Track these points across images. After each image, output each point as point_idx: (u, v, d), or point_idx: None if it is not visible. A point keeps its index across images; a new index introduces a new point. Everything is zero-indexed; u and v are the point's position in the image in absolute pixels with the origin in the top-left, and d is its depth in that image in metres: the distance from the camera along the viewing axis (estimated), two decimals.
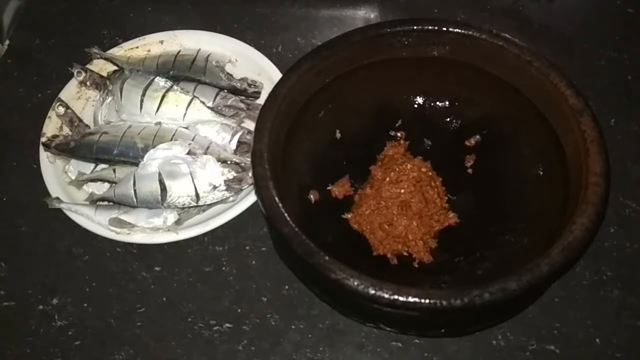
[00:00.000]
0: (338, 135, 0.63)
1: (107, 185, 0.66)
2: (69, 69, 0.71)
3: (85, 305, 0.61)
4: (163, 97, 0.68)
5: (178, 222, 0.63)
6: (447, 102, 0.64)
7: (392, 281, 0.46)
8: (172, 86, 0.68)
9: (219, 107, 0.69)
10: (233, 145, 0.66)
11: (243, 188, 0.64)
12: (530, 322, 0.57)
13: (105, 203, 0.65)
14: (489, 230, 0.58)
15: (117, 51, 0.75)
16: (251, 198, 0.62)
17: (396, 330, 0.56)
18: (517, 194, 0.59)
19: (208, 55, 0.71)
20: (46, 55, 0.79)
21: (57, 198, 0.64)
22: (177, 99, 0.68)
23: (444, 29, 0.58)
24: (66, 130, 0.70)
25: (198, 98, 0.68)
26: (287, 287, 0.60)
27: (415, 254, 0.58)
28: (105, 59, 0.74)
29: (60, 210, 0.64)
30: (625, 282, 0.59)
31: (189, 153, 0.63)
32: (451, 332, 0.55)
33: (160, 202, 0.63)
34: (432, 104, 0.64)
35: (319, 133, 0.62)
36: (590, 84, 0.68)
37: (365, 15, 0.80)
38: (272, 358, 0.57)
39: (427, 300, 0.45)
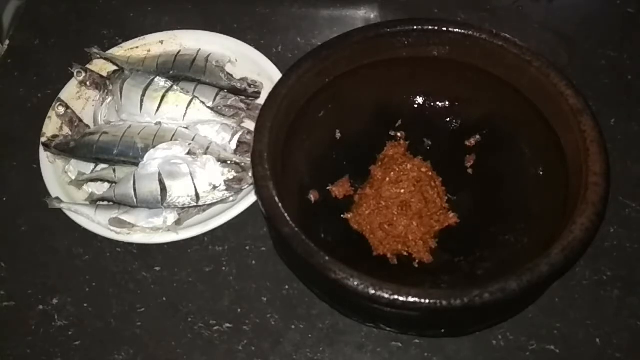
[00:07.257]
0: (338, 135, 0.63)
1: (107, 185, 0.66)
2: (69, 69, 0.71)
3: (85, 305, 0.61)
4: (163, 97, 0.68)
5: (178, 222, 0.63)
6: (447, 102, 0.64)
7: (392, 281, 0.46)
8: (172, 86, 0.68)
9: (219, 107, 0.69)
10: (233, 145, 0.66)
11: (243, 188, 0.64)
12: (530, 322, 0.57)
13: (105, 203, 0.65)
14: (489, 230, 0.58)
15: (117, 51, 0.75)
16: (251, 198, 0.62)
17: (396, 330, 0.56)
18: (517, 194, 0.59)
19: (208, 55, 0.71)
20: (46, 55, 0.79)
21: (57, 198, 0.64)
22: (177, 99, 0.68)
23: (444, 29, 0.58)
24: (66, 130, 0.70)
25: (198, 98, 0.68)
26: (287, 287, 0.60)
27: (415, 254, 0.58)
28: (105, 59, 0.74)
29: (60, 210, 0.64)
30: (625, 282, 0.59)
31: (189, 153, 0.64)
32: (451, 332, 0.55)
33: (160, 202, 0.63)
34: (432, 104, 0.64)
35: (319, 133, 0.62)
36: (590, 84, 0.68)
37: (365, 15, 0.79)
38: (272, 358, 0.57)
39: (427, 300, 0.45)
